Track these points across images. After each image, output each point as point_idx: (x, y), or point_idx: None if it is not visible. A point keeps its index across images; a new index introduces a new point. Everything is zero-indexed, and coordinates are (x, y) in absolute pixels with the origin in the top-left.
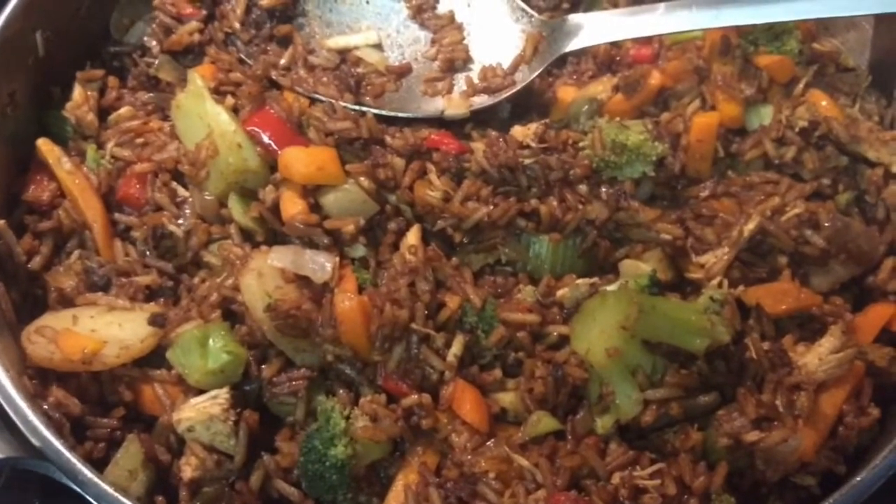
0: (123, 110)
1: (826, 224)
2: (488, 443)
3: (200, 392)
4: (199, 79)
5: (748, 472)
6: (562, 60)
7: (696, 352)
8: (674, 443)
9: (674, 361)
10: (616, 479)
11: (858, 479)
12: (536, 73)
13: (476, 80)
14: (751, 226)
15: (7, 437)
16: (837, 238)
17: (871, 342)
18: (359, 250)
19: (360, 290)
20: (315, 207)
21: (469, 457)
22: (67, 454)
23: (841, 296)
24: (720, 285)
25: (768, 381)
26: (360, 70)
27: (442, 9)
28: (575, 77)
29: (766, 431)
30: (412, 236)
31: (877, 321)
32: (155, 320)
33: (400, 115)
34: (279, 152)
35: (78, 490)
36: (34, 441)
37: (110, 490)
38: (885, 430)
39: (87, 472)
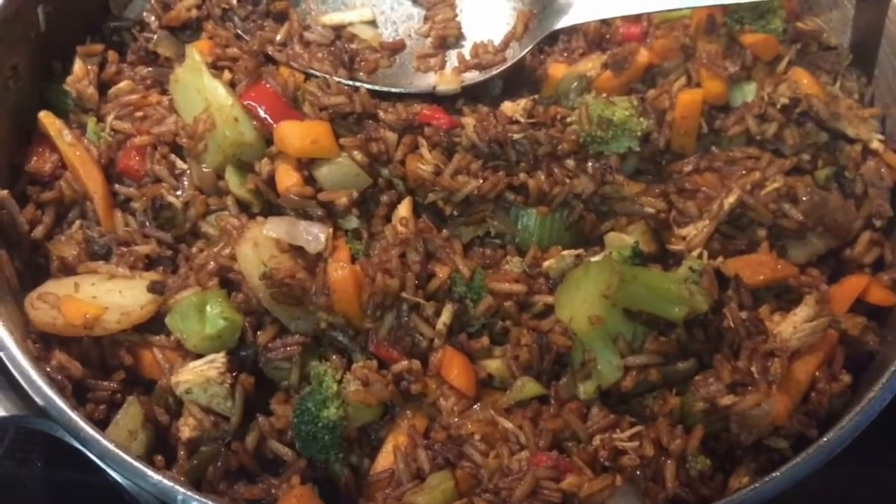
0: (123, 84)
1: (804, 198)
2: (474, 406)
3: (198, 357)
4: (196, 54)
5: (723, 436)
6: (553, 38)
7: (675, 320)
8: (652, 407)
9: (653, 329)
10: (597, 441)
11: (825, 439)
12: (527, 50)
13: (468, 57)
14: (731, 199)
15: (11, 397)
16: (815, 212)
17: (846, 312)
18: (352, 222)
19: (353, 260)
20: (309, 180)
21: (456, 420)
22: (70, 413)
23: (818, 268)
24: (700, 257)
25: (744, 348)
26: (354, 46)
27: None
28: (566, 54)
29: (740, 396)
30: (404, 209)
31: (851, 292)
32: (154, 287)
33: (393, 90)
34: (275, 126)
35: (81, 449)
36: (38, 400)
37: (112, 447)
38: (856, 396)
39: (90, 431)
